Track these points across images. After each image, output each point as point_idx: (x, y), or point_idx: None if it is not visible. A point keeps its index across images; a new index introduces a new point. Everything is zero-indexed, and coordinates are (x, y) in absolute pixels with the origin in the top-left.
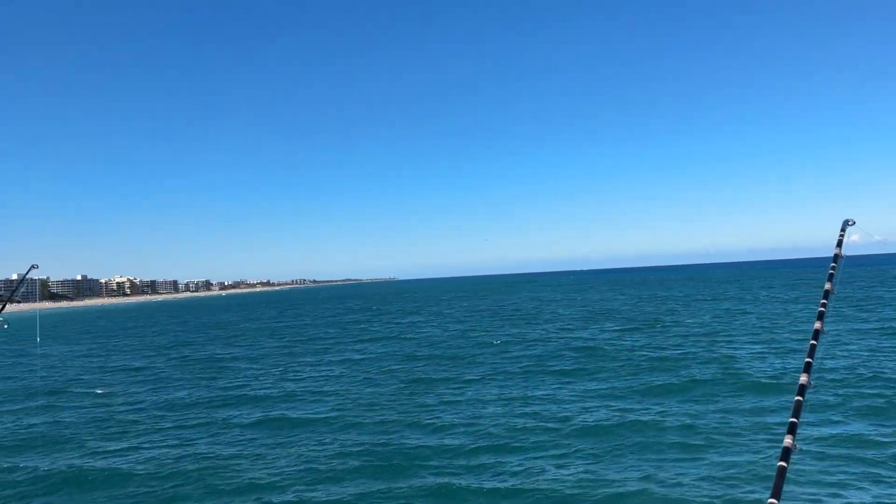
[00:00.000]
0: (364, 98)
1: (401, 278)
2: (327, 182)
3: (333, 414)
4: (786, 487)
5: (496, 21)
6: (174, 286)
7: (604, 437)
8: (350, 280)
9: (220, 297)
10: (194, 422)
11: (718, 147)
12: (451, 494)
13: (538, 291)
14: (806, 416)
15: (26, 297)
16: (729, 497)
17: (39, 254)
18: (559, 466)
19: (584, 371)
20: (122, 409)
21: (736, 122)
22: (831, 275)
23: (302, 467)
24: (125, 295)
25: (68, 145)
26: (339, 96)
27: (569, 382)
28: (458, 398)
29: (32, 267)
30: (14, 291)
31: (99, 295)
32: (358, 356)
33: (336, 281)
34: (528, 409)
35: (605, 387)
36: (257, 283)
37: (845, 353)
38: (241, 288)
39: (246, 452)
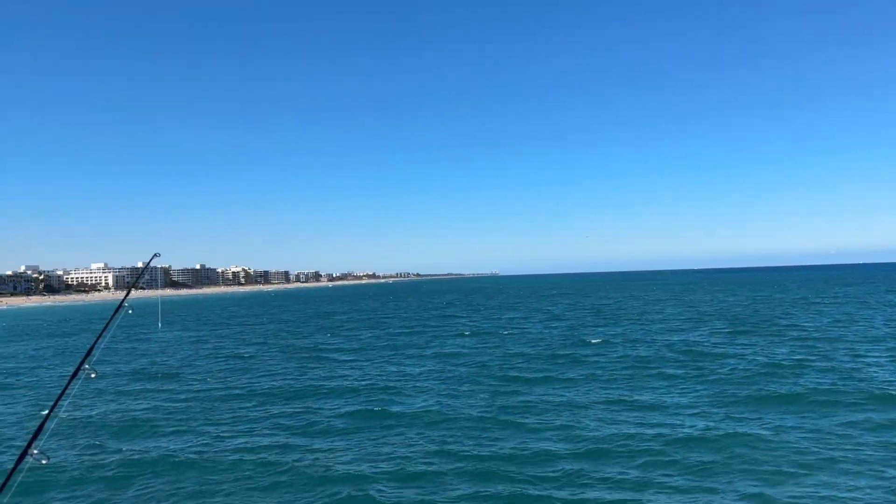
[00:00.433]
0: (475, 97)
1: (503, 274)
2: (434, 178)
3: (430, 409)
4: None
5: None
6: (285, 277)
7: (711, 449)
8: (452, 274)
9: (326, 287)
10: (294, 411)
11: (850, 141)
12: None
13: (643, 290)
14: None
15: (150, 284)
16: None
17: (163, 245)
18: (664, 477)
19: (690, 376)
20: (228, 395)
21: (867, 114)
22: None
23: (395, 464)
24: (240, 284)
25: (189, 146)
26: (446, 90)
27: (674, 387)
28: (557, 399)
29: (155, 255)
30: (138, 278)
31: (216, 283)
32: (456, 350)
33: (439, 275)
34: (630, 415)
35: (712, 393)
36: (363, 276)
37: None
38: (347, 280)
39: (339, 444)
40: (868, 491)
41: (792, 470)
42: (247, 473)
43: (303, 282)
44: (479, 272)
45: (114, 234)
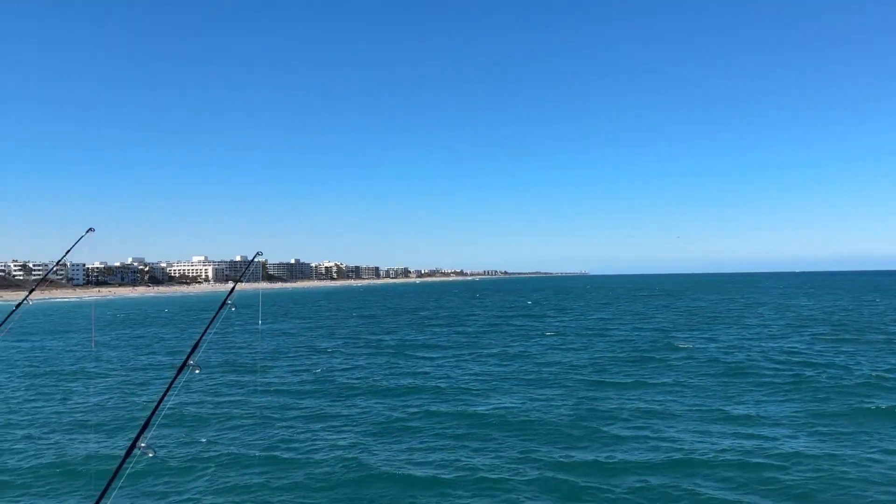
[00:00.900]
0: (575, 95)
1: (593, 273)
2: (522, 176)
3: (513, 412)
4: None
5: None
6: (375, 272)
7: (811, 470)
8: (540, 273)
9: (413, 284)
10: (374, 408)
11: None
12: None
13: (739, 293)
14: None
15: (248, 279)
16: None
17: (260, 239)
18: (759, 498)
19: (788, 386)
20: (316, 390)
21: None
22: None
23: (473, 469)
24: (332, 278)
25: (285, 148)
26: (545, 90)
27: (770, 398)
28: (645, 406)
29: (258, 254)
30: (242, 275)
31: (309, 277)
32: (541, 351)
33: (526, 273)
34: (723, 427)
35: (813, 406)
36: (451, 273)
37: None
38: (435, 276)
39: (417, 445)
40: None
41: None
42: (327, 471)
43: (392, 277)
44: (568, 271)
45: (214, 229)
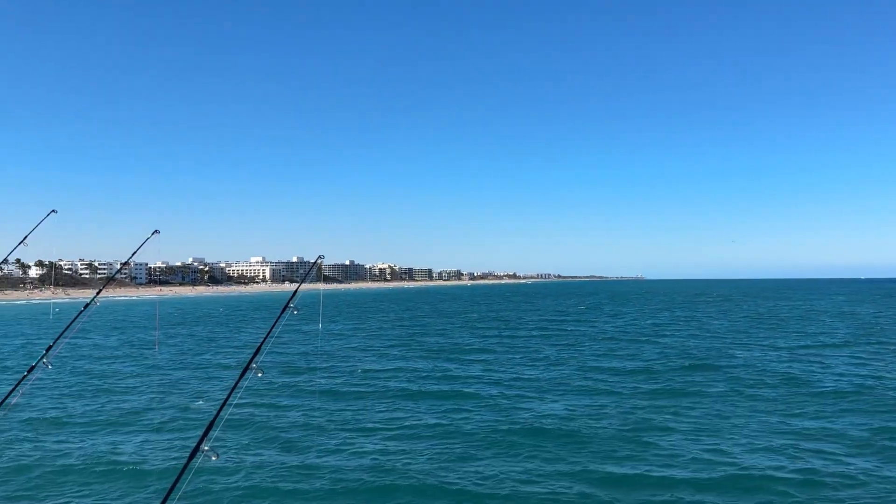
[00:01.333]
0: (624, 98)
1: (649, 277)
2: (577, 179)
3: (561, 420)
4: None
5: None
6: (428, 274)
7: (884, 492)
8: (595, 276)
9: (465, 286)
10: (426, 413)
11: None
12: None
13: (800, 299)
14: None
15: (304, 279)
16: None
17: (316, 240)
18: None
19: (852, 398)
20: (371, 393)
21: None
22: None
23: (517, 483)
24: (385, 280)
25: (347, 150)
26: (596, 95)
27: (833, 411)
28: (700, 418)
29: (320, 257)
30: (304, 278)
31: (363, 279)
32: (592, 356)
33: (580, 277)
34: (782, 441)
35: (880, 423)
36: (504, 276)
37: None
38: (488, 279)
39: (472, 453)
40: None
41: None
42: (364, 478)
43: (445, 280)
44: (623, 275)
45: (271, 230)
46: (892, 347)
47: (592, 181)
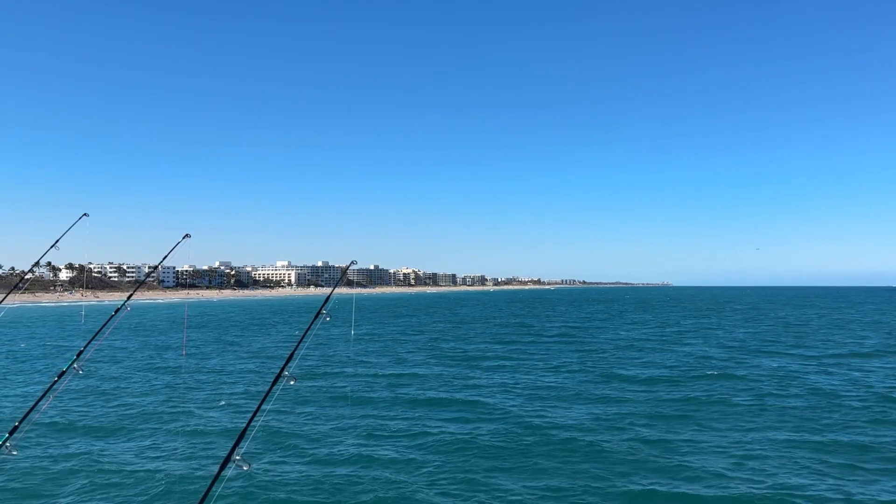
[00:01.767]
0: (641, 106)
1: (675, 284)
2: (604, 185)
3: (581, 429)
4: None
5: None
6: (452, 279)
7: None
8: (620, 283)
9: (488, 291)
10: (446, 420)
11: None
12: None
13: (830, 308)
14: None
15: (329, 283)
16: None
17: (340, 245)
18: None
19: (885, 412)
20: (394, 400)
21: None
22: None
23: (534, 497)
24: (409, 285)
25: (376, 155)
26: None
27: (861, 428)
28: (725, 432)
29: (352, 262)
30: (338, 283)
31: (387, 284)
32: (615, 363)
33: (605, 283)
34: (809, 456)
35: None
36: (528, 281)
37: None
38: (512, 285)
39: (482, 465)
40: None
41: None
42: (396, 491)
43: (468, 285)
44: (649, 282)
45: (297, 235)
46: None
47: (619, 187)
